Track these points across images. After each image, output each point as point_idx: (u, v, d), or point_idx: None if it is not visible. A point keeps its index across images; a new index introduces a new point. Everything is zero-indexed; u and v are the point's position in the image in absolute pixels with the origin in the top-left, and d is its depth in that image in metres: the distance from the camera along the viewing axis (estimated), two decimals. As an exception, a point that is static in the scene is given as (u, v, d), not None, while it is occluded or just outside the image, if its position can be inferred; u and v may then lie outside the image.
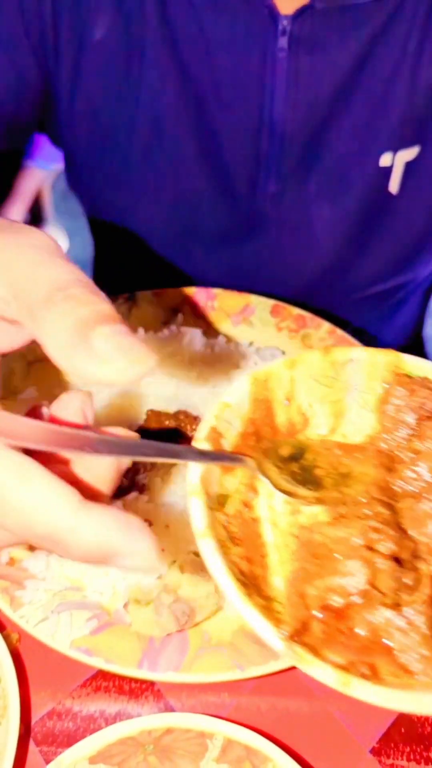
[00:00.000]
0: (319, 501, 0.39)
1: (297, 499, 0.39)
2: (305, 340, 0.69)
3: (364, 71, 0.65)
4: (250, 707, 0.51)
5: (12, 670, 0.48)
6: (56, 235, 1.60)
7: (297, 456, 0.41)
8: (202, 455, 0.36)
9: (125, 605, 0.49)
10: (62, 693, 0.51)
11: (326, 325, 0.70)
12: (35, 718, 0.50)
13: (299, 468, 0.40)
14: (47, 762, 0.47)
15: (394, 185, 0.71)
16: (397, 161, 0.70)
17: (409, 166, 0.70)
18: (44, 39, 0.66)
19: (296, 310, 0.71)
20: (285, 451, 0.41)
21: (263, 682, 0.52)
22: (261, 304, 0.71)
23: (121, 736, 0.46)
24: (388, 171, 0.70)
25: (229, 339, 0.68)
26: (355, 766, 0.48)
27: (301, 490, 0.39)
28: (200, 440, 0.37)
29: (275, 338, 0.69)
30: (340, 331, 0.69)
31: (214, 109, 0.67)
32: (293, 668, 0.51)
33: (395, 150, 0.69)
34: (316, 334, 0.69)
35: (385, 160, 0.70)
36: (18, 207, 1.45)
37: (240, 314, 0.71)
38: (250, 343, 0.68)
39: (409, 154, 0.69)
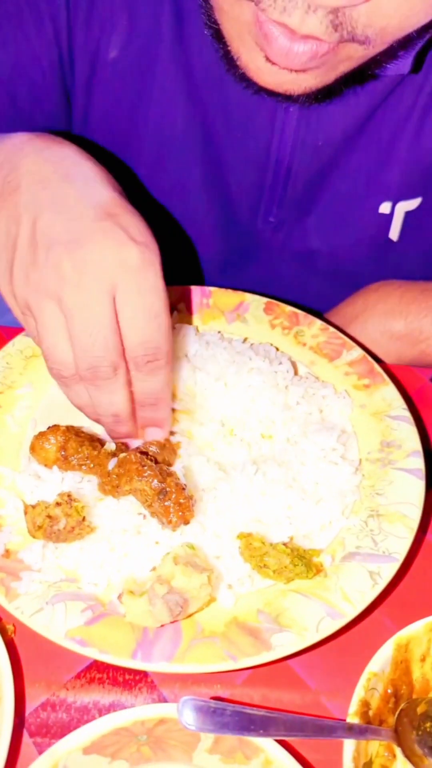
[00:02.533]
0: None
1: None
2: (298, 337, 0.70)
3: (372, 122, 0.66)
4: (243, 698, 0.51)
5: (6, 662, 0.48)
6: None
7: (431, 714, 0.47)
8: (351, 731, 0.44)
9: (119, 596, 0.50)
10: (56, 685, 0.51)
11: (318, 323, 0.70)
12: (29, 709, 0.50)
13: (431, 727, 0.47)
14: (41, 753, 0.47)
15: (394, 233, 0.73)
16: (397, 210, 0.71)
17: (410, 215, 0.72)
18: (61, 53, 0.66)
19: (289, 308, 0.71)
20: (421, 709, 0.47)
21: (255, 674, 0.52)
22: (255, 301, 0.72)
23: (114, 726, 0.47)
24: (388, 218, 0.72)
25: (223, 335, 0.69)
26: (346, 756, 0.49)
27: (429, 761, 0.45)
28: (352, 715, 0.45)
29: (269, 335, 0.70)
30: (332, 329, 0.70)
31: (222, 138, 0.68)
32: (285, 660, 0.51)
33: (395, 200, 0.70)
34: (308, 331, 0.70)
35: (384, 208, 0.71)
36: None
37: (234, 311, 0.72)
38: (244, 340, 0.68)
39: (411, 204, 0.71)
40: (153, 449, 0.56)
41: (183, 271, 0.81)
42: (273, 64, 0.48)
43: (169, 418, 0.56)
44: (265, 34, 0.47)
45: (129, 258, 0.46)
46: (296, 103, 0.62)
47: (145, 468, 0.53)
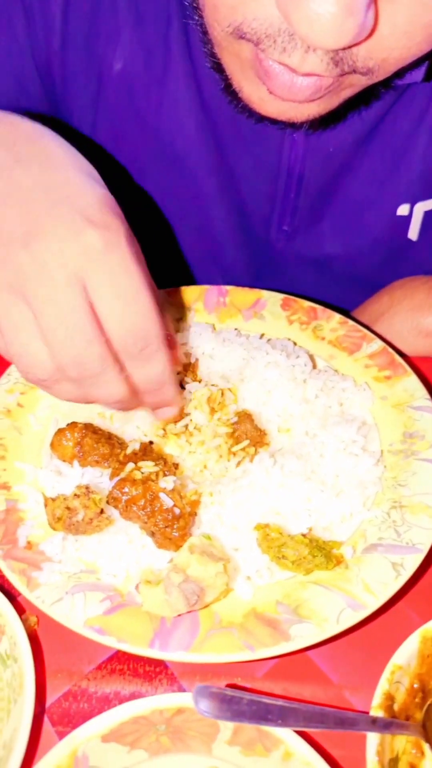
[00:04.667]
0: None
1: None
2: (316, 332, 0.70)
3: (384, 126, 0.66)
4: (263, 691, 0.51)
5: (28, 651, 0.49)
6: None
7: None
8: (375, 724, 0.43)
9: (136, 586, 0.50)
10: (78, 675, 0.52)
11: (337, 316, 0.70)
12: (52, 699, 0.51)
13: None
14: (62, 742, 0.47)
15: (413, 233, 0.72)
16: (416, 211, 0.70)
17: (430, 214, 0.70)
18: (50, 64, 0.67)
19: (307, 303, 0.71)
20: None
21: (276, 667, 0.51)
22: (272, 298, 0.72)
23: (133, 714, 0.47)
24: (406, 219, 0.71)
25: (240, 332, 0.70)
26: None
27: None
28: (375, 708, 0.44)
29: (286, 331, 0.70)
30: (351, 322, 0.69)
31: (234, 148, 0.69)
32: (305, 651, 0.50)
33: (414, 201, 0.69)
34: (327, 325, 0.70)
35: (402, 210, 0.70)
36: None
37: (251, 309, 0.72)
38: (261, 336, 0.69)
39: (430, 203, 0.70)
40: (165, 497, 0.52)
41: (201, 282, 0.81)
42: (276, 96, 0.48)
43: (177, 395, 0.52)
44: (266, 70, 0.46)
45: (90, 243, 0.42)
46: (300, 129, 0.62)
47: (129, 513, 0.52)
